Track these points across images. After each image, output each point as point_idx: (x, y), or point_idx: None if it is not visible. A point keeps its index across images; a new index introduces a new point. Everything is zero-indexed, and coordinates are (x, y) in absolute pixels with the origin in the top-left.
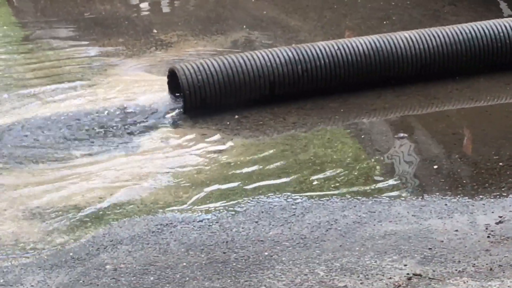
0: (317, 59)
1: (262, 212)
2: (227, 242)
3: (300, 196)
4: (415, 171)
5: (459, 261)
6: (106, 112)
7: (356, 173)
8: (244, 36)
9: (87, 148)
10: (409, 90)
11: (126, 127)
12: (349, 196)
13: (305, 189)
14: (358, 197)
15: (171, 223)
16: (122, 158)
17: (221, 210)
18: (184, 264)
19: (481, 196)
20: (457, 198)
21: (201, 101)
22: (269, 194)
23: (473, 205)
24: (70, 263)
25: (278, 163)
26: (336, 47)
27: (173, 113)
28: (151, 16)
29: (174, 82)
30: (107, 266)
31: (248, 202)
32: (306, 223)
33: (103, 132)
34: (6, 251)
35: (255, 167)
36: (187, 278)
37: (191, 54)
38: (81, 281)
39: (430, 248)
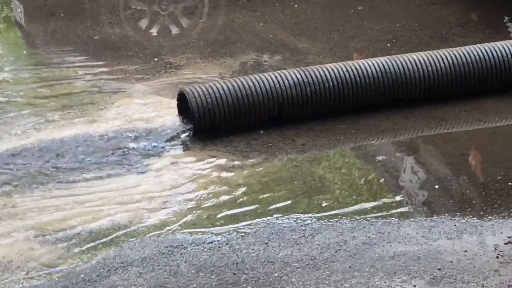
0: (326, 81)
1: (272, 233)
2: (237, 263)
3: (309, 217)
4: (424, 192)
5: (468, 282)
6: (116, 135)
7: (365, 195)
8: (253, 58)
9: (97, 170)
10: (417, 112)
11: (136, 150)
12: (358, 217)
13: (315, 210)
14: (367, 218)
15: (181, 245)
16: (132, 181)
17: (231, 232)
18: (195, 285)
19: (490, 217)
20: (466, 218)
21: (211, 123)
22: (279, 216)
23: (482, 226)
24: (81, 285)
25: (288, 185)
26: (344, 69)
27: (183, 136)
28: (160, 39)
29: (183, 104)
30: None
31: (258, 224)
32: (315, 244)
33: (113, 155)
34: (17, 273)
35: (264, 189)
36: None
37: (200, 77)
38: None
39: (439, 269)
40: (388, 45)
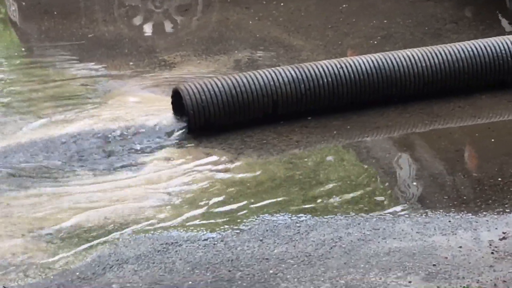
0: (320, 78)
1: (267, 230)
2: (232, 260)
3: (304, 214)
4: (419, 188)
5: (463, 277)
6: (110, 132)
7: (360, 191)
8: (247, 55)
9: (92, 168)
10: (411, 108)
11: (130, 147)
12: (353, 214)
13: (309, 207)
14: (362, 215)
15: (177, 242)
16: (127, 178)
17: (226, 229)
18: (190, 282)
19: (484, 213)
20: (461, 214)
21: (205, 120)
22: (274, 213)
23: (476, 222)
24: (77, 283)
25: (282, 182)
26: (338, 66)
27: (178, 133)
28: (154, 37)
29: (178, 102)
30: (113, 285)
31: (253, 221)
32: (310, 241)
33: (107, 152)
34: (13, 272)
35: (259, 186)
36: None
37: (194, 74)
38: None
39: (434, 265)
40: (380, 42)
